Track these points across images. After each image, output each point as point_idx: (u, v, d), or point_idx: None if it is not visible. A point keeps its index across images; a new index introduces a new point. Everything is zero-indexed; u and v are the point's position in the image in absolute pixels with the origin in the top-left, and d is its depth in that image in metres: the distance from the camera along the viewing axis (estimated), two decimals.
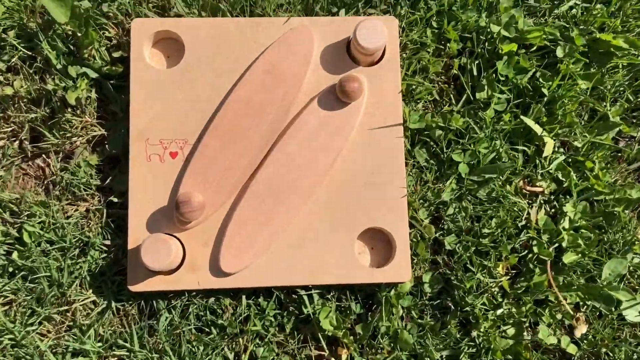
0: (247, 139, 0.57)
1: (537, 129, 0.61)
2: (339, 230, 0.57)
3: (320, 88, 0.58)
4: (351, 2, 0.62)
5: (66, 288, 0.57)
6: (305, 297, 0.58)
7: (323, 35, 0.59)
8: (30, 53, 0.60)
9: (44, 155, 0.61)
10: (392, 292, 0.58)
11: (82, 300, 0.57)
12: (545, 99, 0.62)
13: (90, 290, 0.57)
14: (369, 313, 0.59)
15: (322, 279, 0.57)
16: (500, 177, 0.61)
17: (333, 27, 0.59)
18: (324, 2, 0.62)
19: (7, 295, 0.56)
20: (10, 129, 0.60)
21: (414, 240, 0.60)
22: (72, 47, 0.60)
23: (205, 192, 0.56)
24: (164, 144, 0.57)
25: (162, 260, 0.52)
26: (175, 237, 0.55)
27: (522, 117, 0.61)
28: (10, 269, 0.57)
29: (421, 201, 0.60)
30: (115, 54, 0.60)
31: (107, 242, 0.58)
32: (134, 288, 0.55)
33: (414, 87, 0.61)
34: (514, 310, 0.59)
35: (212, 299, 0.58)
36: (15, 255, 0.57)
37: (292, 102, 0.57)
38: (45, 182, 0.60)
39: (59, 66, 0.59)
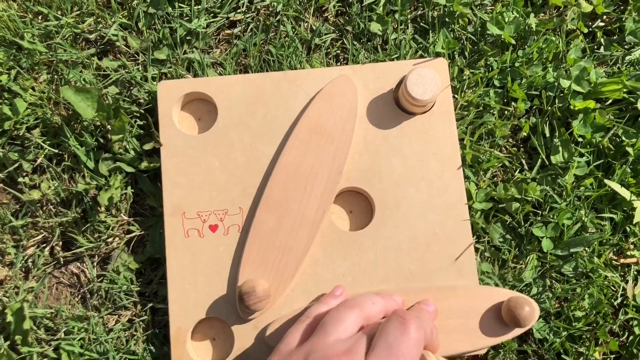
0: (303, 208, 0.51)
1: (625, 193, 0.54)
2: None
3: (369, 144, 0.53)
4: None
5: None
6: None
7: (366, 84, 0.54)
8: (56, 150, 0.55)
9: (77, 262, 0.55)
10: None
11: None
12: (630, 158, 0.55)
13: None
14: None
15: None
16: (587, 249, 0.54)
17: (376, 75, 0.54)
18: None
19: None
20: (40, 235, 0.54)
21: None
22: (101, 139, 0.55)
23: (266, 276, 0.49)
24: (202, 216, 0.52)
25: None
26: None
27: (606, 180, 0.54)
28: None
29: (501, 284, 0.53)
30: (147, 147, 0.54)
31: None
32: None
33: (480, 157, 0.55)
34: None
35: None
36: None
37: (344, 161, 0.51)
38: (82, 291, 0.54)
39: (89, 163, 0.54)
